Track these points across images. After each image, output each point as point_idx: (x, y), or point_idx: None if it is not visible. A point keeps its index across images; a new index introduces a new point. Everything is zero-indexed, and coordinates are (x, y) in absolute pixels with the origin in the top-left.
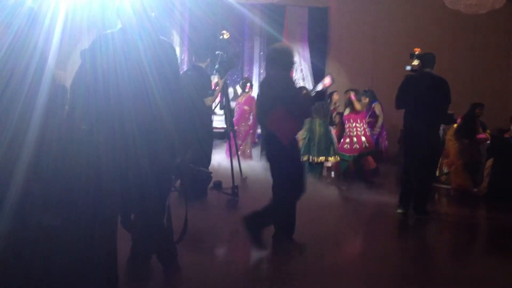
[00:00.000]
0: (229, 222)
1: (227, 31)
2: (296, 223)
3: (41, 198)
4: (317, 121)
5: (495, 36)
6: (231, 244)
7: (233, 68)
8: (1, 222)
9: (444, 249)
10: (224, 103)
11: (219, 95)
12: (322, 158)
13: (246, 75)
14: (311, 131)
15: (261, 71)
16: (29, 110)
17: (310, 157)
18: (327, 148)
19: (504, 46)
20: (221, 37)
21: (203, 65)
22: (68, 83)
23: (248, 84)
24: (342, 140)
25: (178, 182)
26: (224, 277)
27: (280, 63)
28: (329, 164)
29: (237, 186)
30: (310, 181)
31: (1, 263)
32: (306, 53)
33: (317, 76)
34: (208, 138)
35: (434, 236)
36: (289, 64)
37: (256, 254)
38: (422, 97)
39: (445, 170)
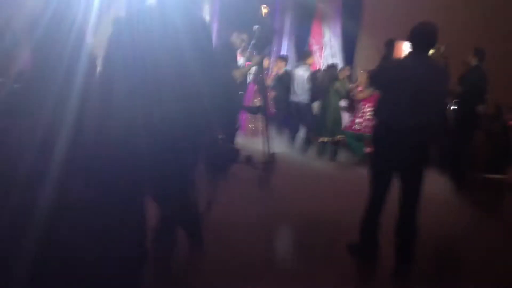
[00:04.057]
0: (258, 196)
1: (266, 5)
2: None
3: (82, 173)
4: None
5: None
6: (258, 219)
7: (270, 44)
8: (44, 196)
9: None
10: (259, 79)
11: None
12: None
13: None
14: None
15: (290, 44)
16: (70, 81)
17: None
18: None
19: None
20: (260, 12)
21: (233, 41)
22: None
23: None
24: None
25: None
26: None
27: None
28: None
29: (270, 161)
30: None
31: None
32: (338, 29)
33: (348, 53)
34: (235, 113)
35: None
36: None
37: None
38: None
39: None
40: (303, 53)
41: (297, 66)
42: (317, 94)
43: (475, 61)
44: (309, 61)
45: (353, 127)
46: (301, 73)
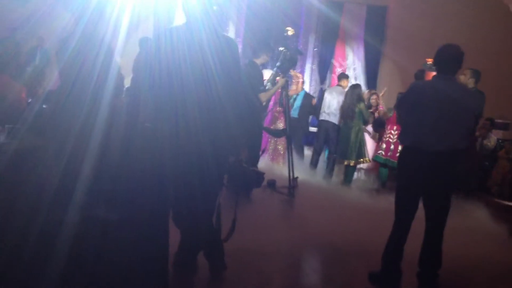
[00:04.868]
0: (282, 222)
1: (291, 26)
2: None
3: (106, 193)
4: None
5: None
6: (280, 245)
7: (295, 66)
8: (70, 215)
9: None
10: (283, 101)
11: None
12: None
13: (299, 71)
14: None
15: (313, 66)
16: (97, 101)
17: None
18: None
19: None
20: (285, 33)
21: (257, 61)
22: (122, 70)
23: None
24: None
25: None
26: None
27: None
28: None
29: (294, 186)
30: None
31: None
32: (361, 52)
33: (370, 76)
34: (259, 136)
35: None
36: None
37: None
38: None
39: None
40: (339, 75)
41: (330, 87)
42: (343, 115)
43: (472, 82)
44: (344, 83)
45: (378, 151)
46: (335, 95)
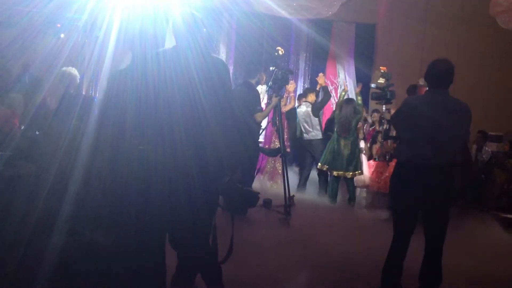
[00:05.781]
0: (278, 241)
1: (281, 46)
2: None
3: (93, 214)
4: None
5: None
6: (277, 266)
7: (287, 84)
8: (55, 236)
9: None
10: (277, 120)
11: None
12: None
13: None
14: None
15: (305, 85)
16: (84, 121)
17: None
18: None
19: None
20: (276, 53)
21: (253, 81)
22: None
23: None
24: None
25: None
26: None
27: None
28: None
29: (290, 205)
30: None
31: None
32: (352, 69)
33: (362, 93)
34: (255, 155)
35: None
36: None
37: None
38: None
39: None
40: (304, 90)
41: (299, 105)
42: (340, 128)
43: None
44: (310, 98)
45: None
46: (304, 110)
